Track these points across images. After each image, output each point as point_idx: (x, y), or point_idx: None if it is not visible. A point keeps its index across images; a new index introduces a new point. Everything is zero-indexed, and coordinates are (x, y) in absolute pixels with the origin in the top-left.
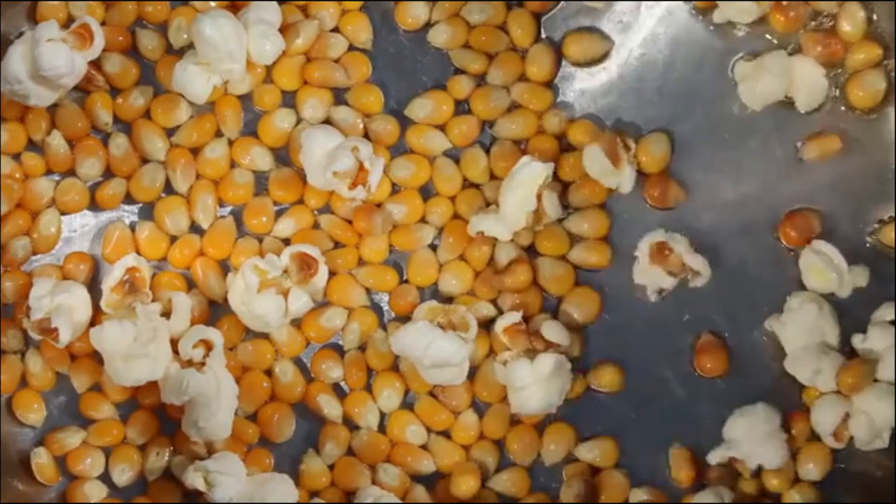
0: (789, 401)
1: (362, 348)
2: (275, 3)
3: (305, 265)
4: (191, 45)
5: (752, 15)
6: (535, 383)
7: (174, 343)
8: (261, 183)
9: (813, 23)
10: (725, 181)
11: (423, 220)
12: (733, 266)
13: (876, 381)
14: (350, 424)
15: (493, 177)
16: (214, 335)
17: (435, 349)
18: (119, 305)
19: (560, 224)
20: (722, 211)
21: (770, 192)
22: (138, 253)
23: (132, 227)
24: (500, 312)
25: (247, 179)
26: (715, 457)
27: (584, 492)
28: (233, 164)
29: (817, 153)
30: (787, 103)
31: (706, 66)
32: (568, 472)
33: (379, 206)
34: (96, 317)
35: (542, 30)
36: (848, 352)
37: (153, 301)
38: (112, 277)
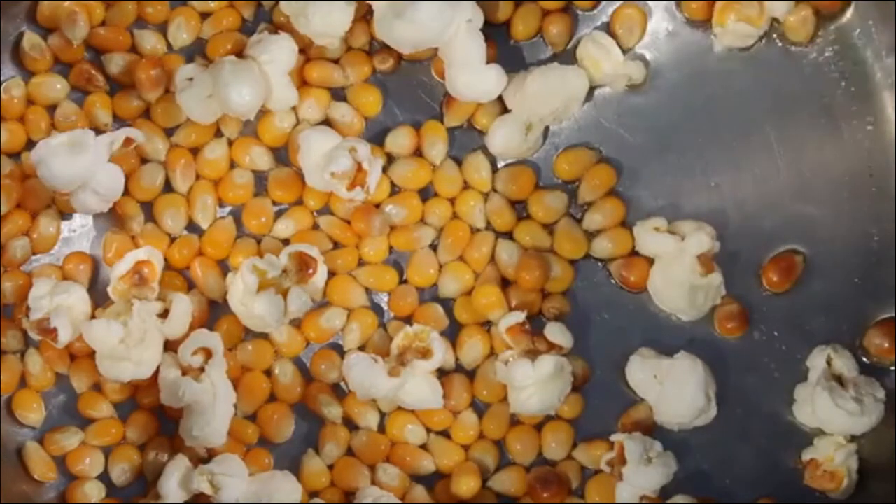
0: (784, 401)
1: (362, 348)
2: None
3: (304, 265)
4: (191, 46)
5: (753, 38)
6: (535, 384)
7: (169, 345)
8: (260, 183)
9: None
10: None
11: (422, 221)
12: (738, 265)
13: None
14: (350, 424)
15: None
16: (214, 342)
17: (373, 386)
18: (125, 295)
19: (578, 224)
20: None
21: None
22: None
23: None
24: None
25: (246, 179)
26: None
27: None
28: (232, 164)
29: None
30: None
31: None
32: None
33: (378, 206)
34: (95, 317)
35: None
36: None
37: (158, 298)
38: (121, 268)
